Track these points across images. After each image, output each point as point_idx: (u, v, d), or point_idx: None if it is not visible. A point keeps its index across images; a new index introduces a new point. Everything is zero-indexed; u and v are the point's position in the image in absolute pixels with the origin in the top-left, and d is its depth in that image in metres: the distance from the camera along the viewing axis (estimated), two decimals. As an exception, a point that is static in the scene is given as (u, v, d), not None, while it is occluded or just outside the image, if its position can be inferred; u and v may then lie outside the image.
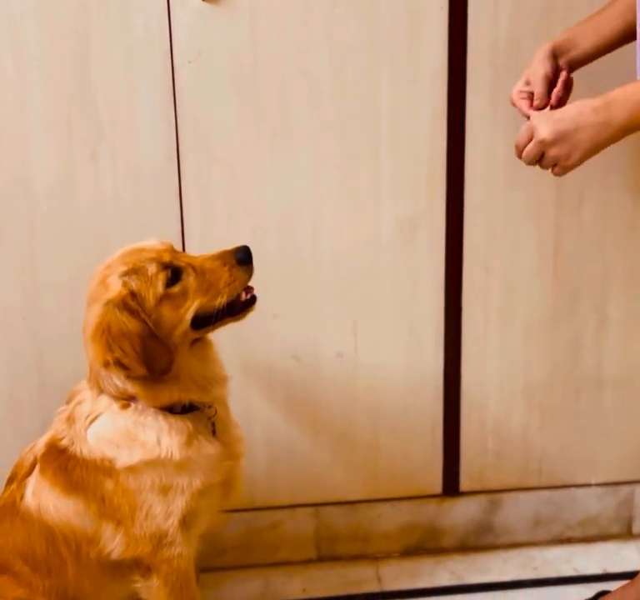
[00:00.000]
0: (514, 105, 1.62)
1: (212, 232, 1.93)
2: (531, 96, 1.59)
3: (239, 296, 1.58)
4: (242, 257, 1.56)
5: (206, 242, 1.91)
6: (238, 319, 1.60)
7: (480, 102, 1.90)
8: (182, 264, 1.54)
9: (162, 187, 1.90)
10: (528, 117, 1.52)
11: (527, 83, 1.61)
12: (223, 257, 1.57)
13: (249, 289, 1.60)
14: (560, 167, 1.45)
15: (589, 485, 2.18)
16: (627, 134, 1.41)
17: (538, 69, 1.59)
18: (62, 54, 1.81)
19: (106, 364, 1.51)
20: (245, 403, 2.01)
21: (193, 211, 1.92)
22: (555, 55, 1.61)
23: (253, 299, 1.59)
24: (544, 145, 1.43)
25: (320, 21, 1.83)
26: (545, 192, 1.97)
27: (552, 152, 1.43)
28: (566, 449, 2.15)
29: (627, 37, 1.59)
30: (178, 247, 1.90)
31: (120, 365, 1.50)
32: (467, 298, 2.02)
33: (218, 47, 1.83)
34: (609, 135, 1.39)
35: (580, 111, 1.40)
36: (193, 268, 1.55)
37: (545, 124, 1.43)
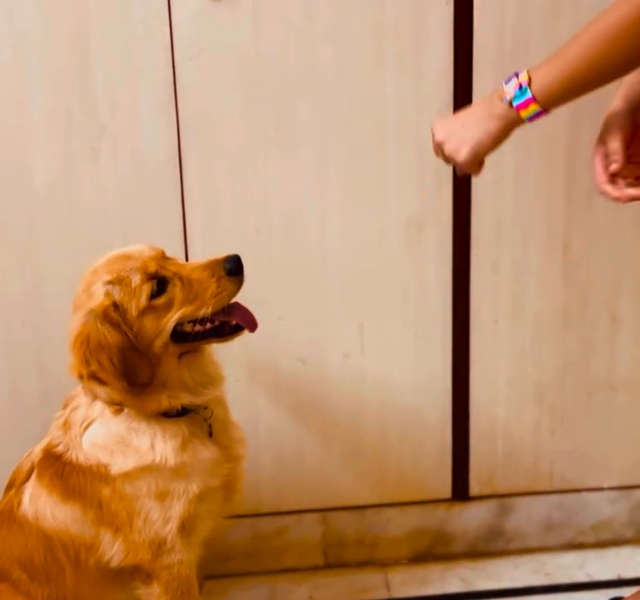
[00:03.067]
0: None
1: (215, 231, 1.90)
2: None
3: (230, 318, 1.54)
4: (232, 268, 1.51)
5: (208, 241, 1.89)
6: (225, 341, 1.56)
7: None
8: (168, 274, 1.50)
9: (164, 184, 1.87)
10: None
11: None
12: (212, 266, 1.52)
13: (238, 311, 1.55)
14: (455, 164, 1.45)
15: (602, 489, 2.15)
16: (512, 126, 1.37)
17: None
18: (62, 48, 1.79)
19: (80, 377, 1.49)
20: (251, 407, 1.99)
21: (195, 209, 1.89)
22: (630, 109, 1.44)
23: (242, 327, 1.55)
24: (439, 145, 1.45)
25: (324, 15, 1.81)
26: (554, 190, 1.93)
27: (446, 151, 1.44)
28: (577, 452, 2.11)
29: None
30: (179, 246, 1.88)
31: (95, 379, 1.47)
32: (475, 298, 1.98)
33: (220, 44, 1.81)
34: (493, 126, 1.37)
35: (472, 108, 1.41)
36: (180, 278, 1.50)
37: (439, 125, 1.46)
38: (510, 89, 1.33)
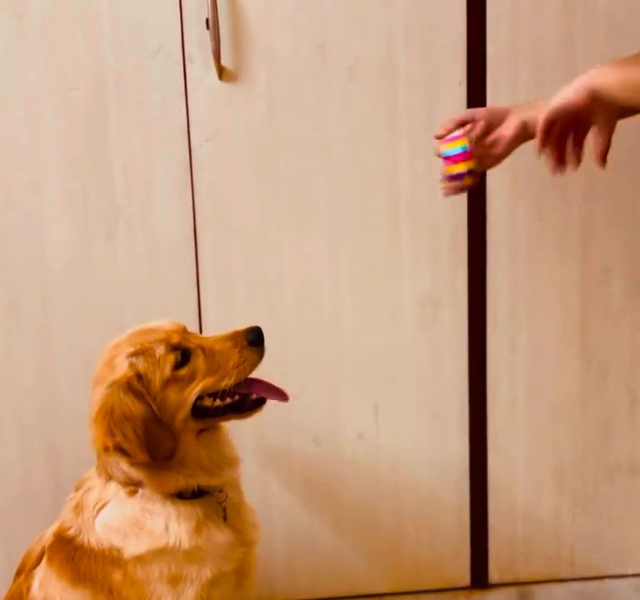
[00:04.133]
0: None
1: (229, 310, 1.91)
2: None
3: (251, 392, 1.54)
4: (254, 339, 1.53)
5: (222, 320, 1.89)
6: (244, 417, 1.55)
7: (500, 176, 1.87)
8: (191, 345, 1.51)
9: (178, 264, 1.88)
10: None
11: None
12: (235, 337, 1.53)
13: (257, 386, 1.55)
14: None
15: (625, 576, 2.09)
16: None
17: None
18: (79, 132, 1.82)
19: (106, 449, 1.46)
20: (263, 489, 1.96)
21: (210, 289, 1.89)
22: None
23: (263, 400, 1.55)
24: None
25: (337, 97, 1.84)
26: (569, 267, 1.93)
27: None
28: (599, 537, 2.06)
29: None
30: (193, 326, 1.87)
31: (120, 450, 1.45)
32: (491, 377, 1.96)
33: (236, 125, 1.84)
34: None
35: None
36: (203, 350, 1.51)
37: None
38: None
